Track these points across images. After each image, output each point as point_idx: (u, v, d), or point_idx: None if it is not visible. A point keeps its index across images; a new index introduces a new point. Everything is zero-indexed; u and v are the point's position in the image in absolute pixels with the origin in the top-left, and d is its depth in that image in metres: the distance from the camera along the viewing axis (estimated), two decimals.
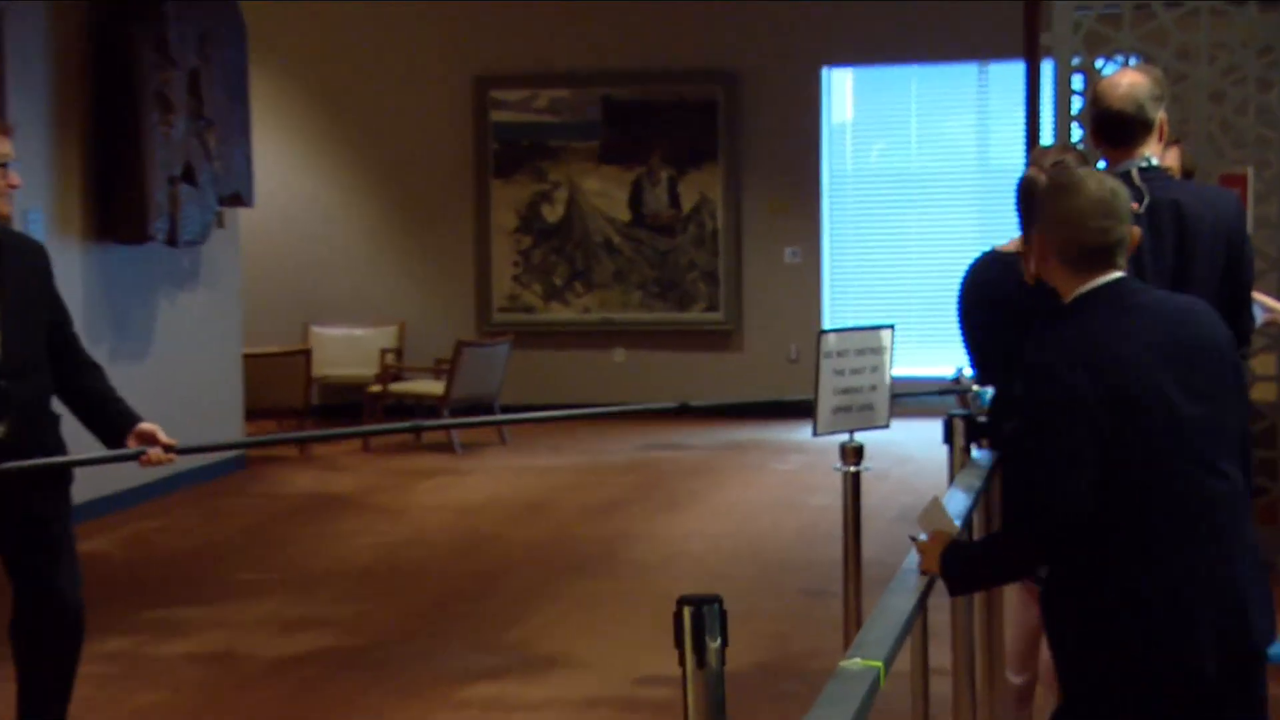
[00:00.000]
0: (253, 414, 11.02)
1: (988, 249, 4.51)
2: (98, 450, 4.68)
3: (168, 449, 4.52)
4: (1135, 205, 3.73)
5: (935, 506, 3.21)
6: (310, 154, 13.90)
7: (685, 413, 5.71)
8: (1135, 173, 3.80)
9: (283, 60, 13.62)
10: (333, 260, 13.86)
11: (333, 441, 11.75)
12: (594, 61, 13.42)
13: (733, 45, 13.26)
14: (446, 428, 11.03)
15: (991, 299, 4.39)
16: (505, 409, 12.11)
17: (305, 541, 8.58)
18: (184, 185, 9.56)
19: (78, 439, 4.72)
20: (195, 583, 7.63)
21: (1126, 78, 3.83)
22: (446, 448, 11.60)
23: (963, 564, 3.02)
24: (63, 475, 4.55)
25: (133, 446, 4.53)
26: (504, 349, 11.97)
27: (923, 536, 3.11)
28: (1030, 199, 4.33)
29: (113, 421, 4.57)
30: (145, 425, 4.54)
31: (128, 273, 9.49)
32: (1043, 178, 4.28)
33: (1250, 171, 5.76)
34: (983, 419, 4.38)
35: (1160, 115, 3.83)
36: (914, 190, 13.37)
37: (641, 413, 12.30)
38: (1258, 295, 4.60)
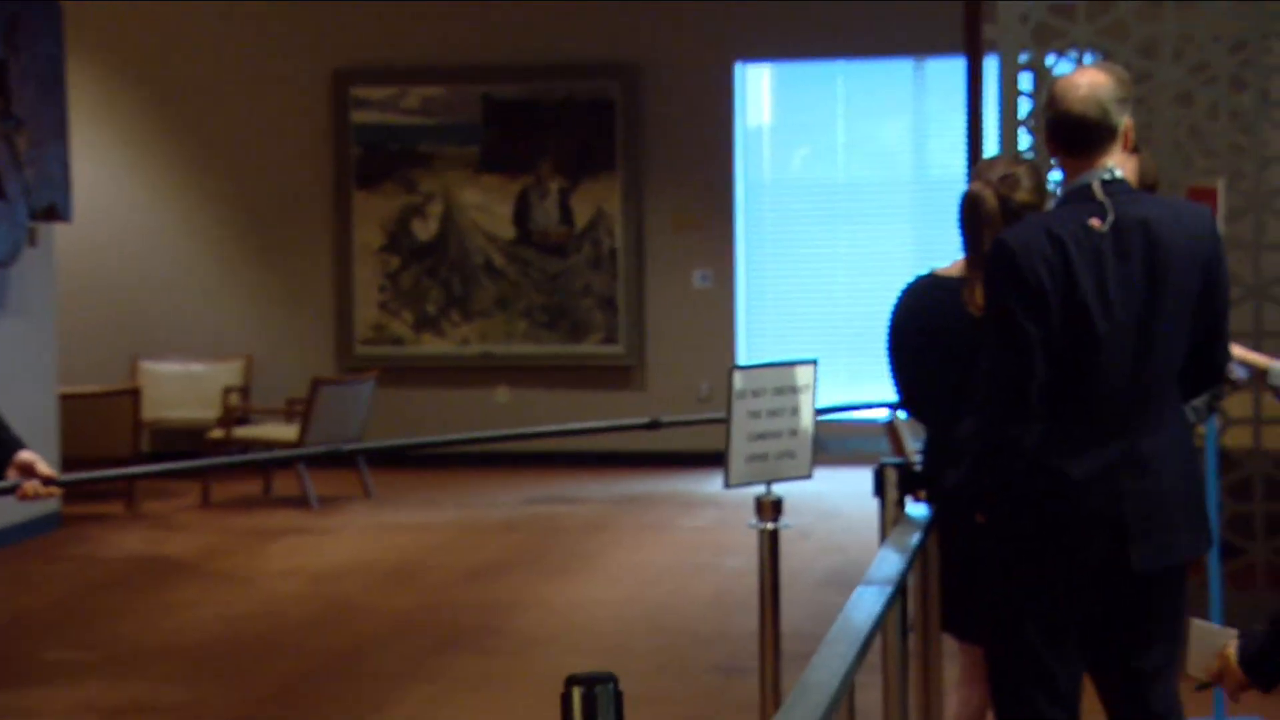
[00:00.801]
0: (71, 464, 10.87)
1: (925, 272, 4.56)
2: None
3: (48, 481, 4.46)
4: (1097, 223, 3.78)
5: (1201, 632, 3.49)
6: (140, 161, 13.78)
7: (656, 428, 5.74)
8: (1097, 185, 3.84)
9: (107, 52, 13.49)
10: (166, 285, 13.74)
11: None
12: (472, 54, 13.42)
13: (632, 36, 13.32)
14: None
15: (928, 329, 4.43)
16: (369, 458, 12.05)
17: (131, 614, 8.47)
18: None
19: None
20: None
21: (1087, 77, 3.89)
22: (300, 502, 11.52)
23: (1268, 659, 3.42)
24: None
25: (11, 478, 4.46)
26: (368, 388, 11.92)
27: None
28: (975, 217, 4.38)
29: None
30: (25, 455, 4.49)
31: None
32: (988, 193, 4.34)
33: (1221, 184, 5.85)
34: (918, 468, 4.41)
35: (1126, 120, 3.89)
36: (841, 203, 13.48)
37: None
38: (1237, 350, 4.67)
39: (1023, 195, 4.40)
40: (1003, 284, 3.80)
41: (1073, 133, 3.85)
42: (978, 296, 4.29)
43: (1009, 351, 3.78)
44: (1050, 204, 4.55)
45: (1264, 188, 7.16)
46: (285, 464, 11.81)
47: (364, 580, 9.25)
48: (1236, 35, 7.15)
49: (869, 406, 5.46)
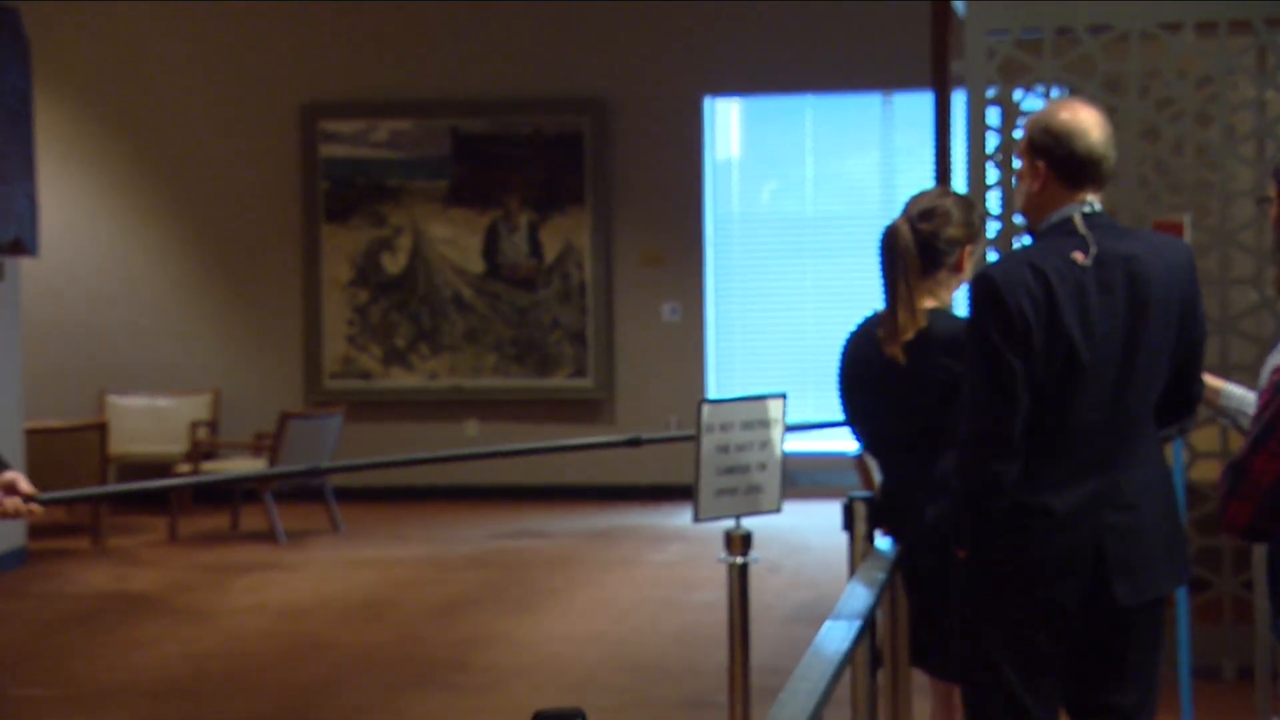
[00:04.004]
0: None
1: (873, 312, 4.57)
2: None
3: (28, 499, 4.45)
4: (1080, 257, 3.80)
5: None
6: (107, 195, 13.74)
7: (637, 445, 5.76)
8: (1079, 219, 3.86)
9: (75, 87, 13.47)
10: (134, 319, 13.69)
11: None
12: (441, 88, 13.43)
13: (601, 70, 13.34)
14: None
15: (877, 367, 4.44)
16: (337, 492, 12.02)
17: (96, 651, 8.42)
18: None
19: None
20: None
21: (1091, 115, 3.92)
22: (267, 537, 11.48)
23: None
24: None
25: None
26: (336, 421, 11.89)
27: None
28: (890, 253, 4.40)
29: None
30: (9, 474, 4.49)
31: None
32: (905, 229, 4.37)
33: (1187, 219, 5.87)
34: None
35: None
36: (810, 237, 13.51)
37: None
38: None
39: (952, 231, 4.42)
40: (987, 318, 3.80)
41: (1084, 169, 3.88)
42: (900, 333, 4.31)
43: (992, 385, 3.78)
44: (983, 239, 4.59)
45: (1230, 223, 7.20)
46: (253, 498, 11.76)
47: (331, 616, 9.21)
48: (1202, 71, 7.19)
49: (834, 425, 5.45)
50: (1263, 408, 3.70)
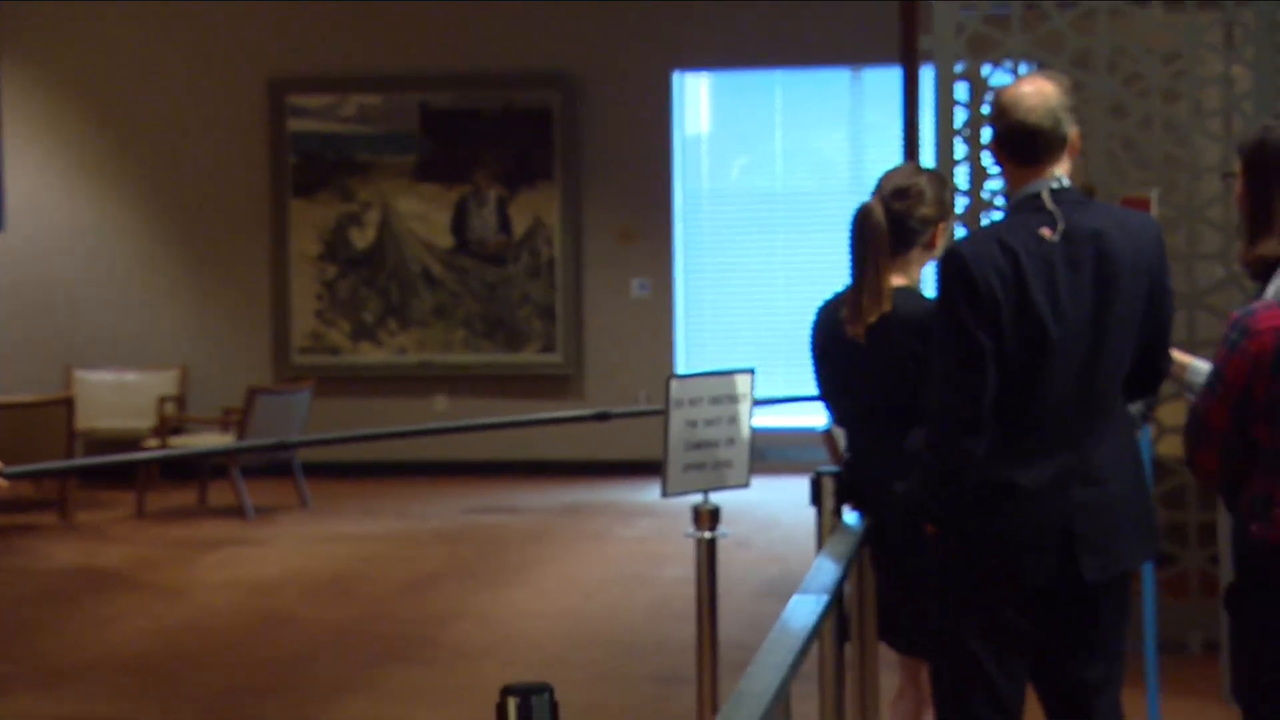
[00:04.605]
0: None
1: (844, 287, 4.57)
2: None
3: None
4: (1048, 233, 3.80)
5: None
6: (74, 169, 13.68)
7: (605, 419, 5.78)
8: (1046, 195, 3.86)
9: (41, 61, 13.40)
10: (100, 293, 13.65)
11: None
12: (409, 62, 13.40)
13: (570, 45, 13.32)
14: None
15: (842, 345, 4.45)
16: (306, 468, 12.00)
17: (63, 627, 8.40)
18: None
19: None
20: None
21: (1035, 86, 3.91)
22: (235, 513, 11.46)
23: None
24: None
25: None
26: (304, 397, 11.87)
27: None
28: (862, 231, 4.41)
29: None
30: None
31: None
32: (878, 209, 4.37)
33: (1154, 195, 5.90)
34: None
35: (1074, 129, 3.93)
36: (779, 212, 13.52)
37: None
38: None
39: (925, 209, 4.43)
40: (956, 294, 3.80)
41: (1025, 143, 3.87)
42: (863, 316, 4.32)
43: (961, 362, 3.78)
44: (953, 216, 4.60)
45: (1197, 198, 7.22)
46: (221, 474, 11.74)
47: (300, 591, 9.21)
48: (1169, 46, 7.21)
49: (801, 399, 5.46)
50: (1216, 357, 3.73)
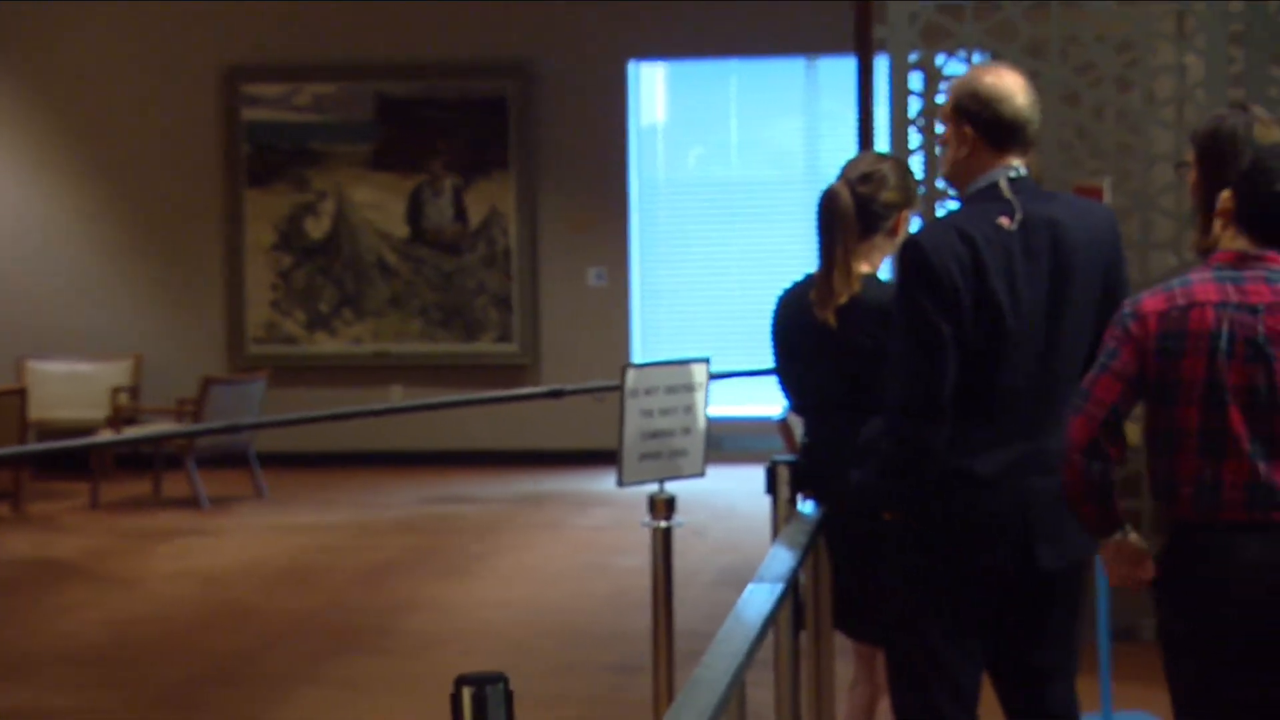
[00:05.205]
0: None
1: (806, 273, 4.58)
2: None
3: None
4: (1006, 222, 3.82)
5: None
6: (26, 159, 13.60)
7: (558, 396, 5.79)
8: (1004, 183, 3.87)
9: None
10: (54, 283, 13.57)
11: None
12: (365, 51, 13.36)
13: (526, 34, 13.30)
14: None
15: (807, 330, 4.46)
16: (261, 457, 11.96)
17: (16, 618, 8.37)
18: None
19: None
20: None
21: (1015, 79, 3.94)
22: (190, 503, 11.42)
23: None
24: None
25: None
26: (259, 387, 11.83)
27: None
28: (830, 215, 4.42)
29: None
30: None
31: None
32: (845, 192, 4.38)
33: (1107, 183, 5.92)
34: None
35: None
36: (735, 201, 13.53)
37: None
38: None
39: (889, 195, 4.44)
40: (915, 283, 3.81)
41: (1011, 133, 3.89)
42: (833, 298, 4.33)
43: (921, 351, 3.79)
44: (917, 203, 4.61)
45: (1150, 187, 7.26)
46: (175, 464, 11.69)
47: (256, 582, 9.18)
48: (1122, 36, 7.24)
49: (758, 374, 5.47)
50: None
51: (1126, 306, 3.68)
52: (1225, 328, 3.56)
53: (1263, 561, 3.56)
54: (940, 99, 6.95)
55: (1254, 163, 3.71)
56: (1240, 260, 3.64)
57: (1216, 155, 3.90)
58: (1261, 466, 3.56)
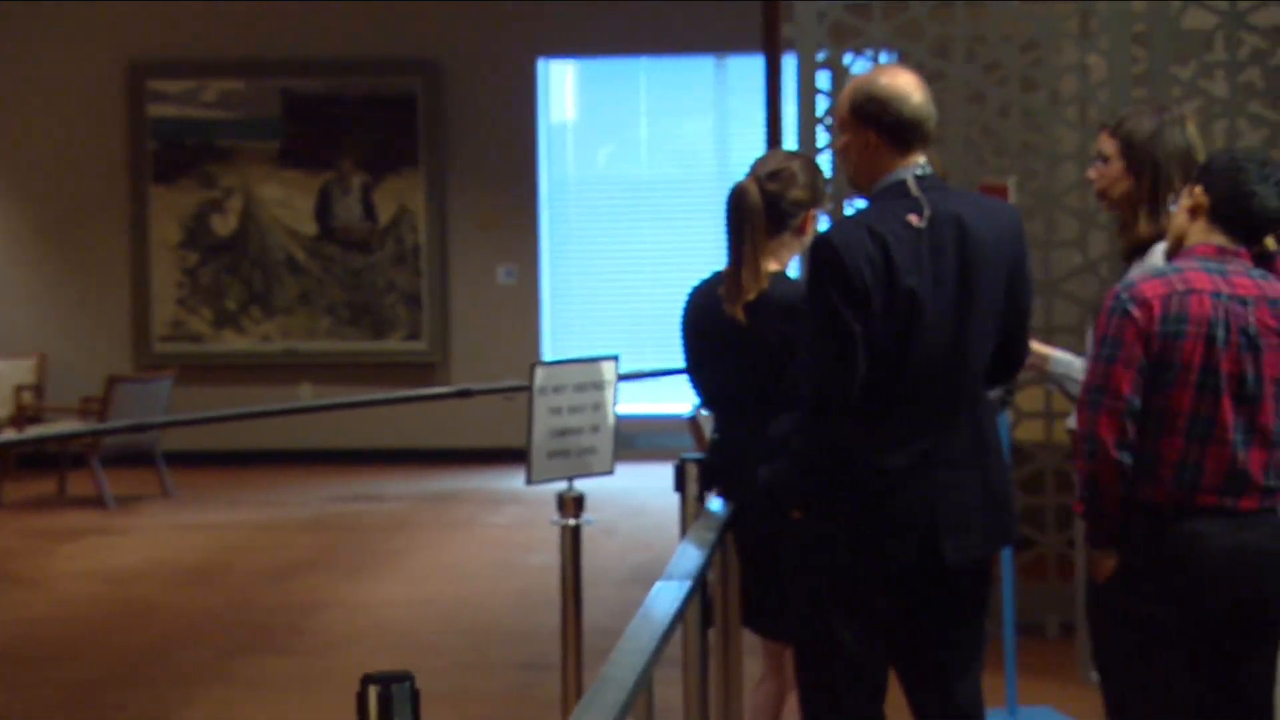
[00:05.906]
0: None
1: (714, 271, 4.58)
2: None
3: None
4: (915, 220, 3.83)
5: None
6: None
7: (467, 396, 5.76)
8: (912, 181, 3.89)
9: None
10: None
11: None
12: (271, 48, 13.27)
13: (434, 31, 13.25)
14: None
15: (708, 329, 4.47)
16: (168, 456, 11.86)
17: None
18: None
19: None
20: None
21: (910, 79, 3.96)
22: (95, 503, 11.31)
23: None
24: None
25: None
26: (166, 385, 11.73)
27: None
28: (738, 212, 4.43)
29: None
30: None
31: None
32: (754, 188, 4.40)
33: (1012, 182, 5.96)
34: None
35: None
36: (645, 200, 13.54)
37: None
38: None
39: (797, 193, 4.46)
40: (827, 281, 3.81)
41: (910, 133, 3.91)
42: (742, 294, 4.34)
43: (832, 348, 3.80)
44: (825, 202, 4.63)
45: (1055, 186, 7.31)
46: (81, 464, 11.57)
47: (162, 581, 9.11)
48: (1027, 35, 7.30)
49: (667, 374, 5.48)
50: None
51: (1120, 293, 3.75)
52: (1222, 316, 3.68)
53: (1233, 545, 3.67)
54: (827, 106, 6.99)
55: (1231, 163, 3.80)
56: (1221, 254, 3.76)
57: (1145, 154, 4.11)
58: (1240, 455, 3.67)
